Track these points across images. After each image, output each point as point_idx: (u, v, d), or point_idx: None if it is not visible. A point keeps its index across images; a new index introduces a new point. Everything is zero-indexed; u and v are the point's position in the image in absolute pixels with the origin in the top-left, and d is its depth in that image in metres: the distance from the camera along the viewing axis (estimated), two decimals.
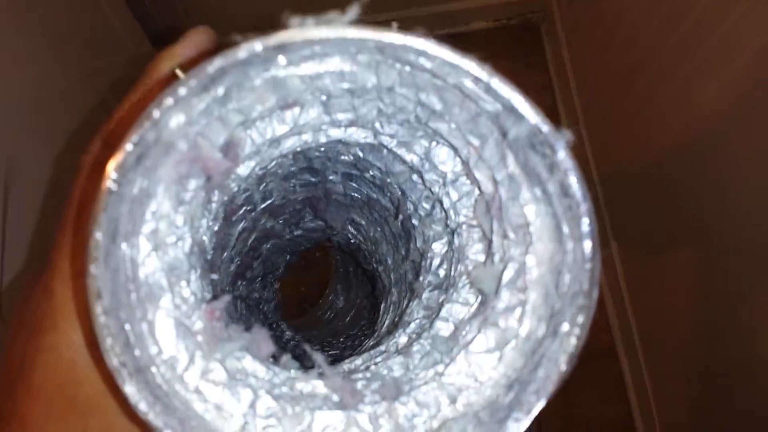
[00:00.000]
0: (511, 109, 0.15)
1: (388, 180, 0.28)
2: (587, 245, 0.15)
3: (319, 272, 0.76)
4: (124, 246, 0.16)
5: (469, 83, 0.15)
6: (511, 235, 0.18)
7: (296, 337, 0.56)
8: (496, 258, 0.20)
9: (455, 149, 0.20)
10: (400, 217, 0.30)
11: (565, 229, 0.15)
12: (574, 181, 0.14)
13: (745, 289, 0.70)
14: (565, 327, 0.15)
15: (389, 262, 0.37)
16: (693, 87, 0.74)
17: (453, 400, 0.18)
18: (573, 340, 0.15)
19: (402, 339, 0.26)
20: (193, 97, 0.15)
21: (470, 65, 0.14)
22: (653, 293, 0.96)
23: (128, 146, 0.14)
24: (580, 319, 0.15)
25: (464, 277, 0.23)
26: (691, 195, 0.79)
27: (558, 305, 0.16)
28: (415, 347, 0.22)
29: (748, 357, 0.72)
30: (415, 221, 0.28)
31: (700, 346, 0.83)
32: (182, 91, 0.14)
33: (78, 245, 0.18)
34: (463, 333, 0.20)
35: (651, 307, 0.98)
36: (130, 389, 0.14)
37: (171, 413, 0.15)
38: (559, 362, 0.15)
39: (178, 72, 0.17)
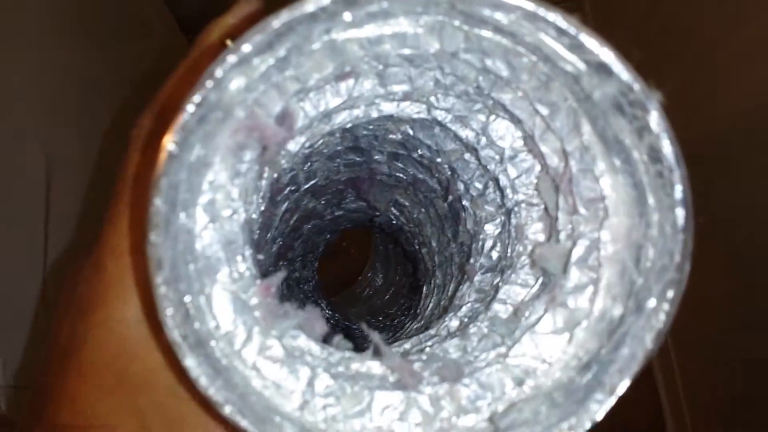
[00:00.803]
0: (598, 67, 0.14)
1: (438, 159, 0.27)
2: (680, 214, 0.14)
3: (359, 250, 0.76)
4: (182, 216, 0.15)
5: (550, 40, 0.14)
6: (582, 210, 0.17)
7: (336, 316, 0.55)
8: (562, 236, 0.19)
9: (519, 121, 0.19)
10: (449, 198, 0.29)
11: (651, 200, 0.14)
12: (666, 144, 0.13)
13: None
14: (652, 303, 0.14)
15: (434, 244, 0.36)
16: (726, 81, 0.71)
17: (519, 383, 0.17)
18: (661, 316, 0.14)
19: (453, 323, 0.25)
20: (255, 56, 0.14)
21: (556, 17, 0.13)
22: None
23: (190, 107, 0.13)
24: (670, 293, 0.14)
25: (523, 258, 0.22)
26: (718, 189, 0.76)
27: (640, 281, 0.15)
28: (472, 329, 0.21)
29: None
30: (465, 202, 0.27)
31: (733, 341, 0.80)
32: (246, 47, 0.13)
33: (134, 219, 0.17)
34: (526, 314, 0.19)
35: (682, 300, 0.95)
36: (190, 362, 0.14)
37: (232, 389, 0.14)
38: (645, 340, 0.14)
39: (229, 43, 0.16)
